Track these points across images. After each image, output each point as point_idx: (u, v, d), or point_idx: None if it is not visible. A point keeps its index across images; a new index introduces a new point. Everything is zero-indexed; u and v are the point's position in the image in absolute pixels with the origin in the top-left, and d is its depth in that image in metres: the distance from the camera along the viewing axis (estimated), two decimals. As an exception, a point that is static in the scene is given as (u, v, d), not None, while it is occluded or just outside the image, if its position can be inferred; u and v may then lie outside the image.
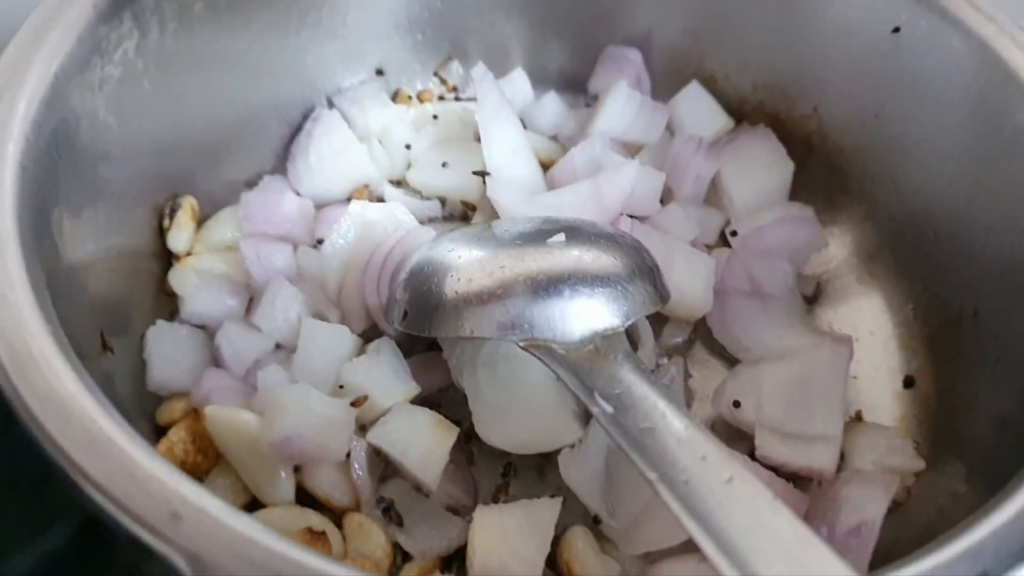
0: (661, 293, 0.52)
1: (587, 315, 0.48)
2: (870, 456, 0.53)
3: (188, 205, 0.60)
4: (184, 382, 0.54)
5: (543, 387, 0.53)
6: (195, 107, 0.60)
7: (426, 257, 0.52)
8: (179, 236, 0.59)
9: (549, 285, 0.48)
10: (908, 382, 0.58)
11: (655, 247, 0.58)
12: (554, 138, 0.70)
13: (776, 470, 0.53)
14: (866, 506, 0.49)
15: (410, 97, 0.71)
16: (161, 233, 0.59)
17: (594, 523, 0.51)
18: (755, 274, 0.61)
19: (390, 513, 0.51)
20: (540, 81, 0.72)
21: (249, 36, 0.61)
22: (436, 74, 0.72)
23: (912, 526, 0.50)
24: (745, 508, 0.35)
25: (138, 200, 0.57)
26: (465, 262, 0.50)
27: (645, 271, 0.51)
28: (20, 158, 0.42)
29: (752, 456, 0.54)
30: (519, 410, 0.53)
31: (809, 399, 0.55)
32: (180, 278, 0.58)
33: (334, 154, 0.65)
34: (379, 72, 0.70)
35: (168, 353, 0.55)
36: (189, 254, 0.60)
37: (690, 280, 0.60)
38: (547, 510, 0.49)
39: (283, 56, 0.65)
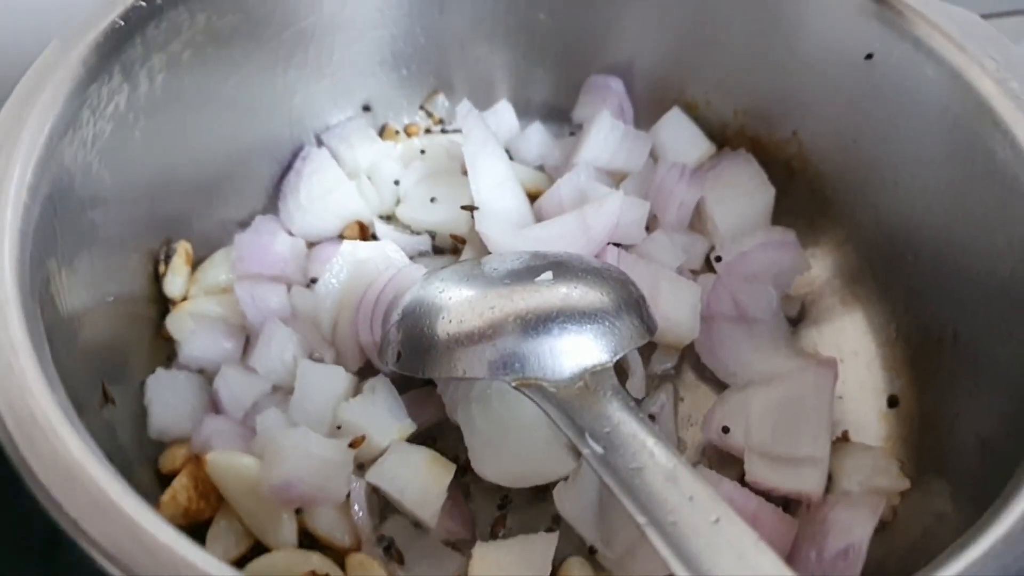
0: (648, 325, 0.53)
1: (576, 352, 0.49)
2: (857, 477, 0.54)
3: (183, 250, 0.61)
4: (184, 428, 0.55)
5: (536, 421, 0.54)
6: (186, 151, 0.61)
7: (417, 298, 0.53)
8: (174, 281, 0.60)
9: (538, 324, 0.49)
10: (892, 401, 0.59)
11: (642, 276, 0.59)
12: (540, 168, 0.71)
13: (766, 494, 0.54)
14: (853, 529, 0.51)
15: (397, 132, 0.72)
16: (156, 278, 0.60)
17: (590, 553, 0.53)
18: (740, 298, 0.62)
19: (391, 551, 0.52)
20: (525, 111, 0.73)
21: (237, 79, 0.62)
22: (422, 107, 0.73)
23: (898, 545, 0.51)
24: (732, 549, 0.36)
25: (133, 246, 0.58)
26: (455, 303, 0.51)
27: (632, 304, 0.53)
28: (19, 225, 0.43)
29: (742, 481, 0.55)
30: (513, 444, 0.54)
31: (796, 422, 0.56)
32: (177, 323, 0.59)
33: (324, 192, 0.66)
34: (366, 108, 0.72)
35: (168, 400, 0.56)
36: (185, 298, 0.61)
37: (677, 308, 0.61)
38: (544, 544, 0.50)
39: (271, 96, 0.66)
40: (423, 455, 0.54)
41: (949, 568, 0.35)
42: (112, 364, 0.54)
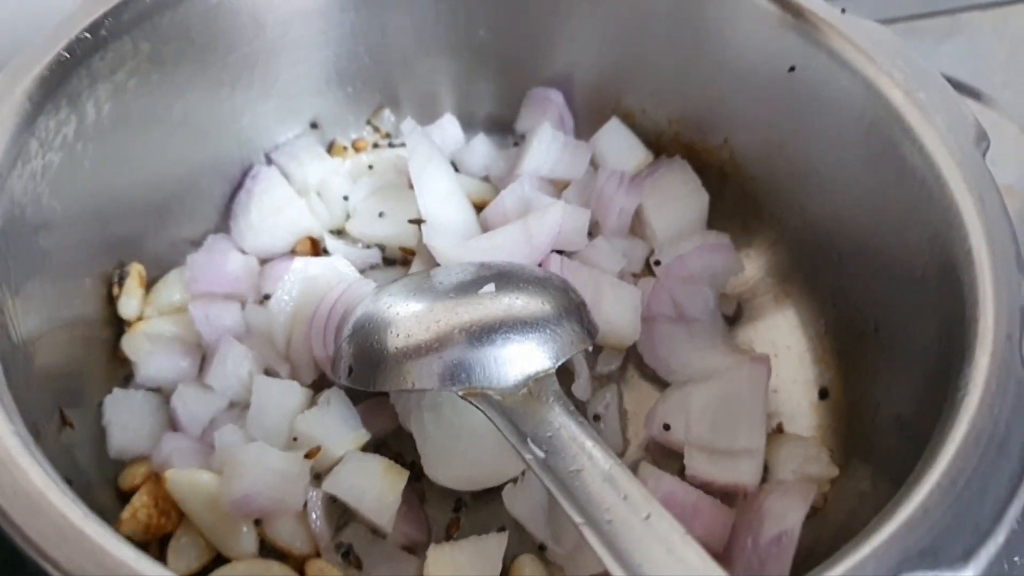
0: (589, 330, 0.56)
1: (520, 360, 0.51)
2: (790, 466, 0.58)
3: (136, 272, 0.62)
4: (144, 446, 0.57)
5: (486, 427, 0.55)
6: (136, 176, 0.62)
7: (367, 313, 0.55)
8: (128, 303, 0.62)
9: (483, 335, 0.51)
10: (823, 393, 0.62)
11: (584, 282, 0.62)
12: (486, 178, 0.74)
13: (706, 487, 0.57)
14: (787, 515, 0.53)
15: (345, 148, 0.74)
16: (111, 300, 0.62)
17: (540, 550, 0.55)
18: (679, 300, 0.65)
19: (349, 557, 0.54)
20: (469, 124, 0.75)
21: (183, 103, 0.64)
22: (369, 123, 0.75)
23: (828, 528, 0.54)
24: (661, 544, 0.39)
25: (86, 271, 0.60)
26: (403, 317, 0.53)
27: (572, 311, 0.55)
28: (-29, 259, 0.45)
29: (683, 475, 0.58)
30: (464, 450, 0.56)
31: (733, 416, 0.59)
32: (133, 344, 0.60)
33: (275, 210, 0.68)
34: (314, 125, 0.73)
35: (126, 420, 0.57)
36: (140, 319, 0.62)
37: (619, 311, 0.64)
38: (495, 544, 0.53)
39: (219, 118, 0.67)
40: (377, 463, 0.56)
41: (866, 547, 0.38)
42: (69, 387, 0.55)
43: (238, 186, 0.70)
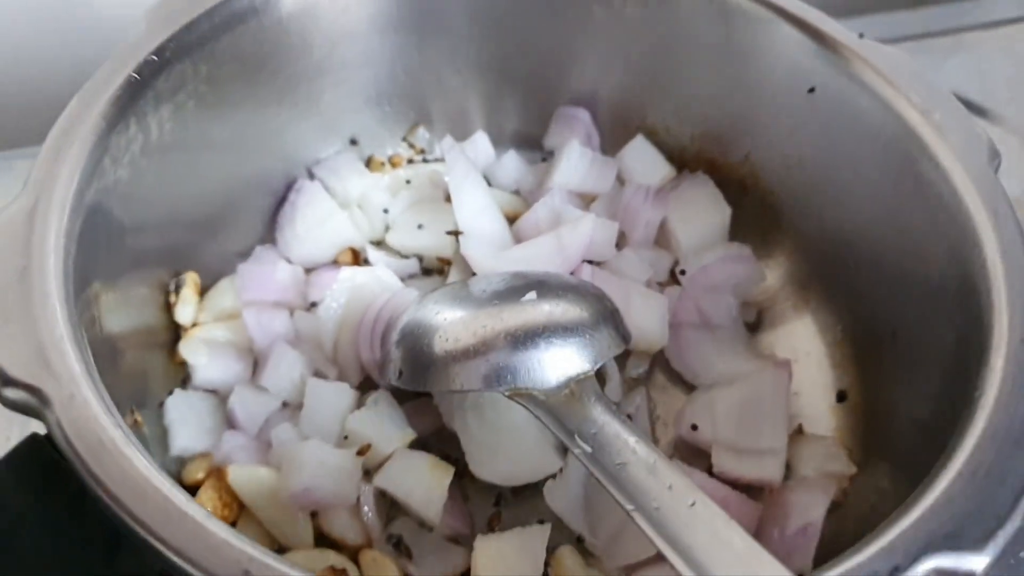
0: (623, 335, 0.59)
1: (561, 363, 0.55)
2: (811, 464, 0.61)
3: (191, 280, 0.66)
4: (204, 444, 0.60)
5: (526, 425, 0.60)
6: (190, 191, 0.65)
7: (415, 319, 0.59)
8: (185, 310, 0.65)
9: (526, 339, 0.55)
10: (841, 396, 0.66)
11: (614, 290, 0.66)
12: (516, 192, 0.77)
13: (732, 483, 0.61)
14: (810, 509, 0.57)
15: (383, 163, 0.77)
16: (167, 308, 0.65)
17: (578, 542, 0.59)
18: (703, 307, 0.69)
19: (400, 547, 0.58)
20: (500, 141, 0.79)
21: (234, 122, 0.67)
22: (405, 139, 0.79)
23: (849, 522, 0.57)
24: (707, 527, 0.43)
25: (146, 280, 0.63)
26: (450, 323, 0.56)
27: (608, 317, 0.59)
28: (61, 268, 0.48)
29: (710, 472, 0.61)
30: (506, 447, 0.60)
31: (757, 418, 0.63)
32: (190, 348, 0.64)
33: (319, 222, 0.72)
34: (353, 142, 0.77)
35: (187, 419, 0.61)
36: (195, 325, 0.66)
37: (647, 317, 0.67)
38: (538, 535, 0.56)
39: (266, 135, 0.71)
40: (424, 460, 0.59)
41: (894, 530, 0.41)
42: (136, 389, 0.59)
43: (282, 199, 0.73)
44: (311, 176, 0.75)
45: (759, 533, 0.58)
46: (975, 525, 0.41)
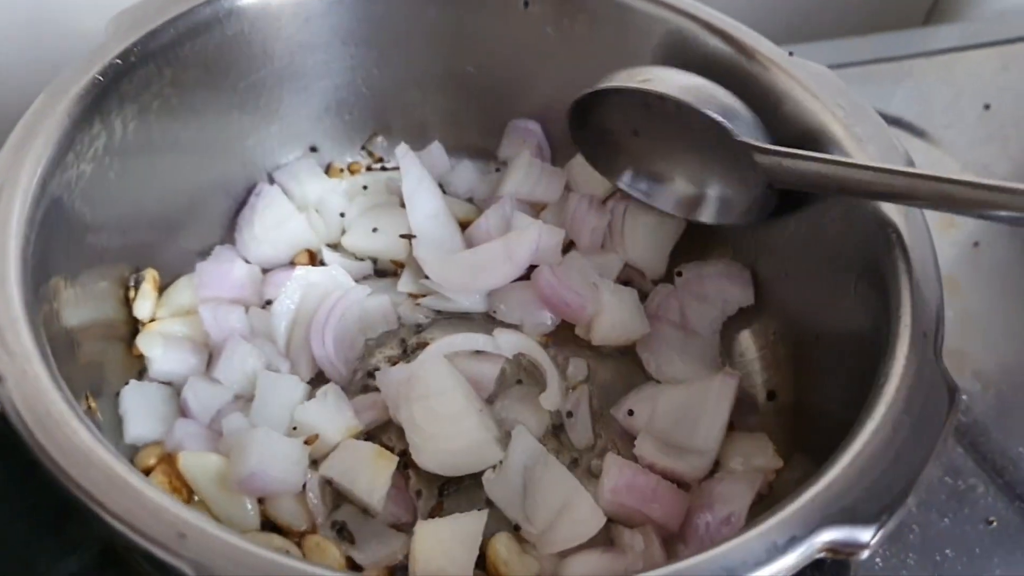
0: None
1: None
2: (739, 459, 0.64)
3: (151, 276, 0.68)
4: (158, 433, 0.62)
5: (469, 418, 0.63)
6: (153, 190, 0.68)
7: None
8: (143, 305, 0.67)
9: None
10: (771, 395, 0.69)
11: (585, 287, 0.70)
12: (470, 200, 0.81)
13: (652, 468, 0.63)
14: (735, 499, 0.60)
15: (342, 170, 0.80)
16: (127, 303, 0.67)
17: (515, 530, 0.61)
18: (687, 311, 0.72)
19: (343, 533, 0.60)
20: (455, 151, 0.82)
21: (198, 125, 0.70)
22: (364, 148, 0.82)
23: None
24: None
25: (106, 275, 0.65)
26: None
27: None
28: (20, 253, 0.51)
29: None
30: (448, 438, 0.62)
31: (695, 419, 0.65)
32: (147, 342, 0.66)
33: (276, 224, 0.74)
34: (313, 149, 0.80)
35: (141, 408, 0.63)
36: (153, 320, 0.68)
37: (621, 310, 0.71)
38: (475, 521, 0.58)
39: (227, 140, 0.74)
40: (369, 450, 0.62)
41: (788, 509, 0.44)
42: (93, 380, 0.61)
43: (242, 203, 0.76)
44: (271, 180, 0.77)
45: (686, 523, 0.61)
46: (870, 502, 0.45)
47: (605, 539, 0.61)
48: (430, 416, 0.63)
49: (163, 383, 0.66)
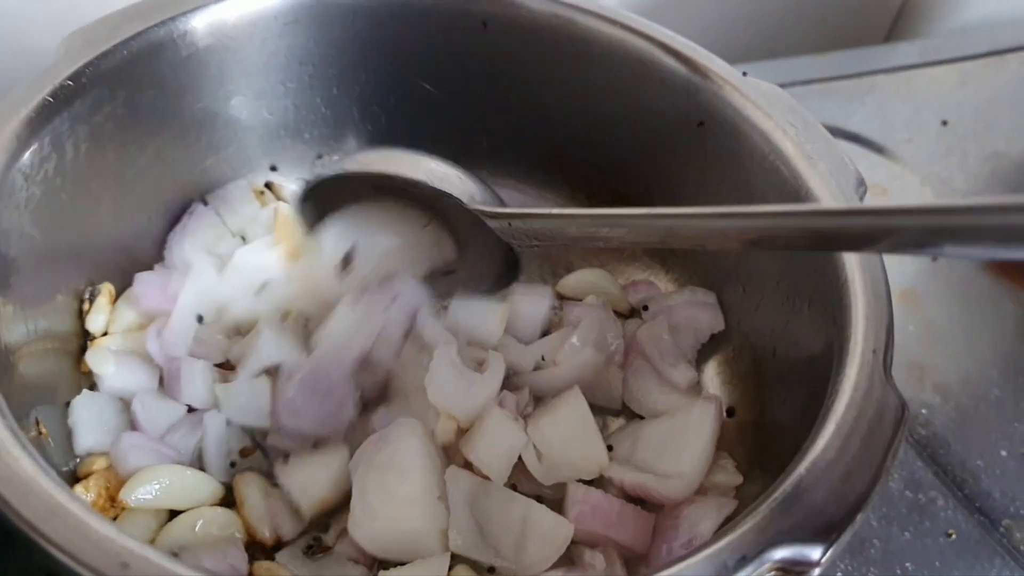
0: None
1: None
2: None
3: (107, 290, 0.67)
4: (106, 445, 0.61)
5: (423, 506, 0.58)
6: (108, 212, 0.67)
7: None
8: (97, 319, 0.66)
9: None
10: (730, 412, 0.69)
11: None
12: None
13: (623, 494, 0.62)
14: (700, 523, 0.58)
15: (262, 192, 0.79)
16: (81, 316, 0.66)
17: (490, 572, 0.58)
18: (660, 344, 0.71)
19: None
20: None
21: (154, 147, 0.69)
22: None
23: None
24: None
25: (58, 290, 0.64)
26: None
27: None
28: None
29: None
30: (392, 519, 0.57)
31: (679, 448, 0.64)
32: (97, 359, 0.65)
33: (208, 246, 0.73)
34: (273, 168, 0.80)
35: (91, 421, 0.62)
36: (105, 334, 0.67)
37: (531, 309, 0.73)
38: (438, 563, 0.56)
39: (184, 161, 0.73)
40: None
41: (738, 529, 0.44)
42: (41, 395, 0.60)
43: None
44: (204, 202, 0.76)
45: (654, 544, 0.60)
46: (819, 520, 0.45)
47: (567, 559, 0.60)
48: (383, 489, 0.58)
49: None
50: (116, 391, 0.64)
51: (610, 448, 0.66)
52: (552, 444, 0.63)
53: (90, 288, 0.67)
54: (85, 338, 0.67)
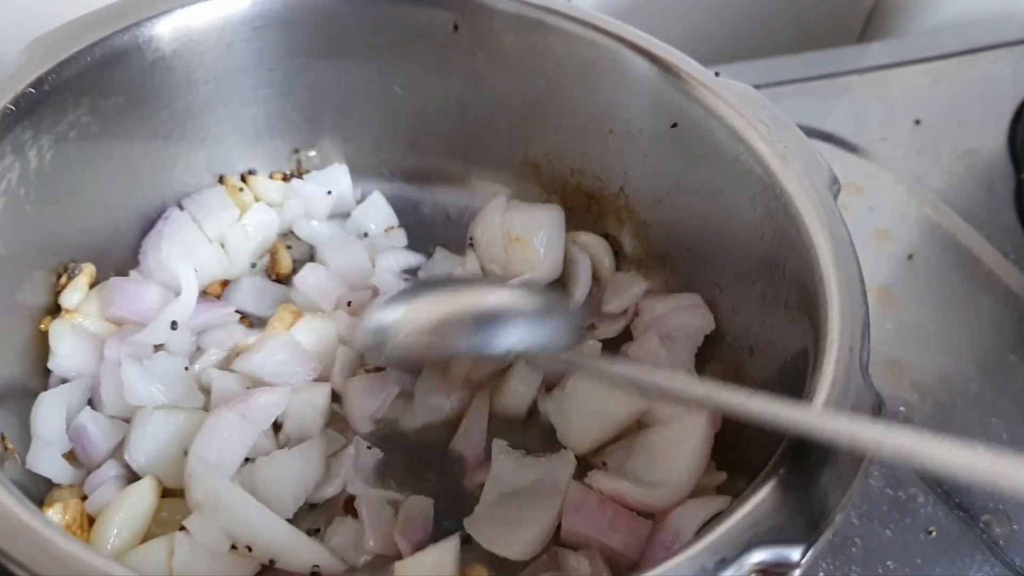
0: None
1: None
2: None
3: (88, 271, 0.67)
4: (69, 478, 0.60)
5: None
6: (75, 220, 0.67)
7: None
8: (73, 295, 0.65)
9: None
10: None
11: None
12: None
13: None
14: (684, 526, 0.57)
15: (242, 189, 0.77)
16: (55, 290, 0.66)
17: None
18: (657, 359, 0.70)
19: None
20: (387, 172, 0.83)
21: (121, 154, 0.68)
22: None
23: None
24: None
25: (21, 306, 0.63)
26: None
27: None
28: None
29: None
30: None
31: (670, 457, 0.63)
32: (58, 332, 0.64)
33: (185, 252, 0.72)
34: (251, 173, 0.79)
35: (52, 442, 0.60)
36: (75, 311, 0.66)
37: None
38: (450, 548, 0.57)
39: (153, 167, 0.72)
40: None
41: (717, 531, 0.44)
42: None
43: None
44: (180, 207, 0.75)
45: (647, 549, 0.59)
46: (798, 521, 0.44)
47: (552, 563, 0.60)
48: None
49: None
50: (64, 369, 0.64)
51: (604, 464, 0.65)
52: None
53: (74, 265, 0.66)
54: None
